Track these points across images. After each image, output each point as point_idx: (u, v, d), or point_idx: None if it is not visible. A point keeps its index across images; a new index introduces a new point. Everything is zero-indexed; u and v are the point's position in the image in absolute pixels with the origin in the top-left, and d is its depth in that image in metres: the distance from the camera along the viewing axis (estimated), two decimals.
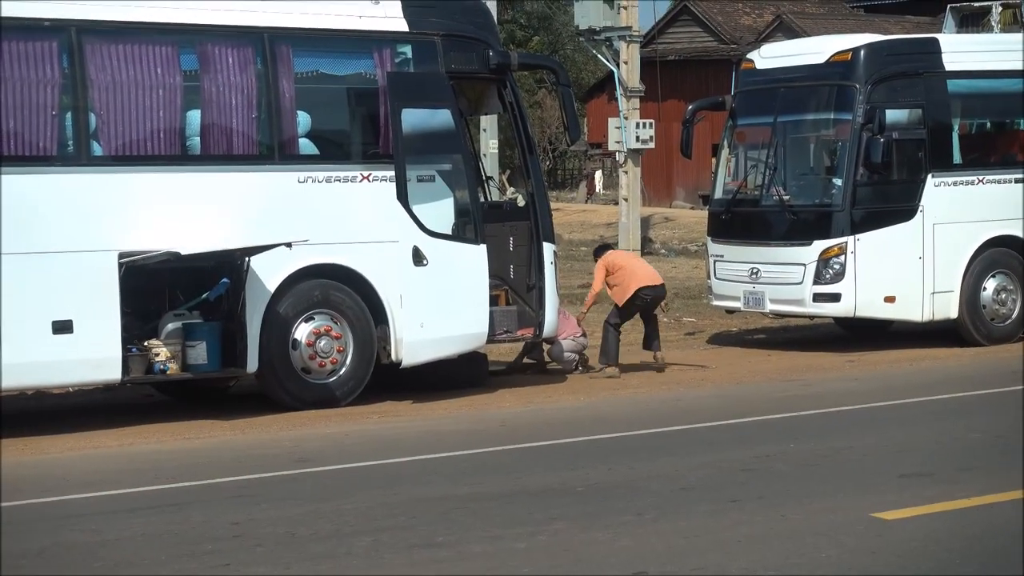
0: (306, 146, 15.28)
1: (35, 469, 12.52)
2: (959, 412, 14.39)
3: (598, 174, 54.55)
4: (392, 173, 15.16)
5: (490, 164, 30.43)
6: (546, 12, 61.71)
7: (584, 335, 17.79)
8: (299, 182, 15.04)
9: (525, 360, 17.89)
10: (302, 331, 15.05)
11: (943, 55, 19.07)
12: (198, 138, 14.73)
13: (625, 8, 32.48)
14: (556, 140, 54.99)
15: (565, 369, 17.62)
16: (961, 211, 18.79)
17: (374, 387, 15.51)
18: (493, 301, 16.00)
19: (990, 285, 19.06)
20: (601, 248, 18.56)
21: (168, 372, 14.44)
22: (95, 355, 13.99)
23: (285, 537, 9.70)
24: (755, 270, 19.05)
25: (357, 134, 15.89)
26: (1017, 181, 19.20)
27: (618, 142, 32.90)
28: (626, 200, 33.32)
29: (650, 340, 17.87)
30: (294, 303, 14.98)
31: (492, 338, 16.00)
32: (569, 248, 33.24)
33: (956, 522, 9.70)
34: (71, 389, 16.17)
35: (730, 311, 20.40)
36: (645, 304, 17.52)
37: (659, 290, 17.58)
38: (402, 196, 15.13)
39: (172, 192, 14.50)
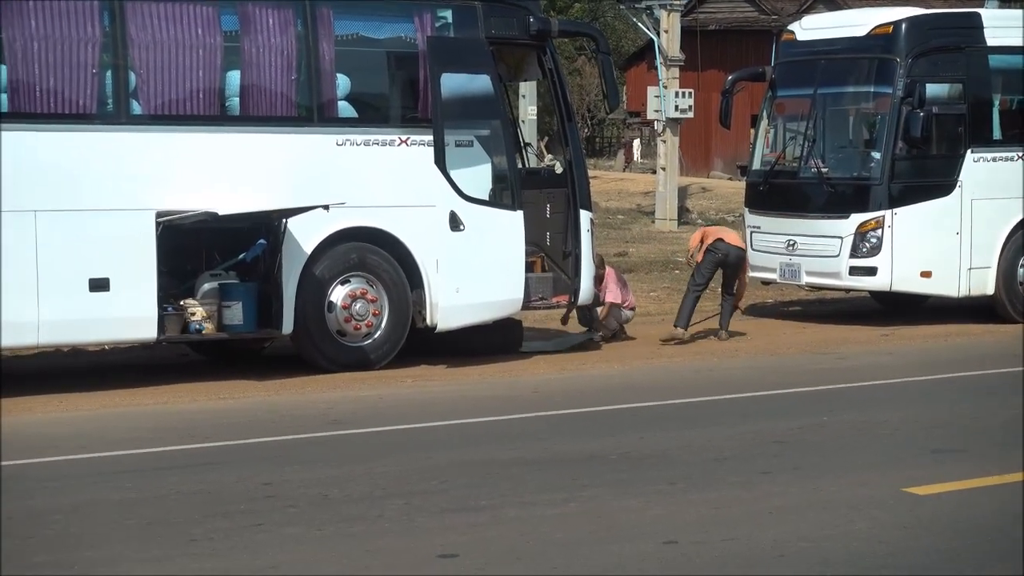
0: (345, 109, 15.28)
1: (71, 426, 12.60)
2: (993, 389, 14.33)
3: (636, 143, 54.45)
4: (430, 138, 15.14)
5: (528, 130, 30.38)
6: None
7: (632, 308, 17.84)
8: (337, 145, 15.04)
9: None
10: (338, 294, 15.09)
11: (985, 30, 18.93)
12: (237, 99, 14.74)
13: None
14: (595, 108, 54.86)
15: (603, 333, 17.54)
16: (1000, 187, 18.66)
17: (408, 351, 15.54)
18: (529, 268, 16.01)
19: None
20: None
21: (204, 332, 14.51)
22: (131, 313, 14.05)
23: (318, 498, 9.74)
24: (792, 242, 18.99)
25: (396, 98, 15.90)
26: None
27: (657, 111, 32.85)
28: (664, 169, 33.27)
29: (721, 315, 18.01)
30: (330, 265, 15.01)
31: (527, 304, 16.01)
32: (606, 216, 33.17)
33: (988, 499, 9.69)
34: (107, 347, 16.26)
35: (766, 282, 20.35)
36: (717, 259, 17.54)
37: (733, 249, 17.64)
38: (440, 161, 15.12)
39: (210, 152, 14.53)
